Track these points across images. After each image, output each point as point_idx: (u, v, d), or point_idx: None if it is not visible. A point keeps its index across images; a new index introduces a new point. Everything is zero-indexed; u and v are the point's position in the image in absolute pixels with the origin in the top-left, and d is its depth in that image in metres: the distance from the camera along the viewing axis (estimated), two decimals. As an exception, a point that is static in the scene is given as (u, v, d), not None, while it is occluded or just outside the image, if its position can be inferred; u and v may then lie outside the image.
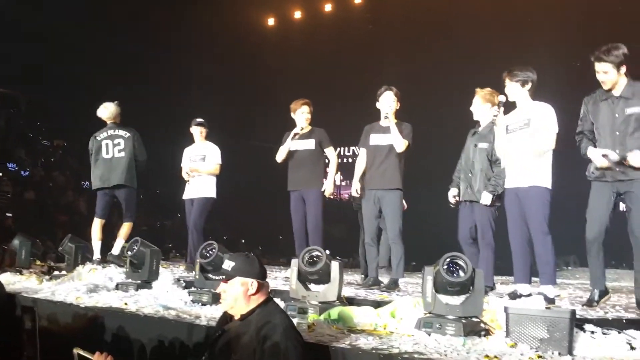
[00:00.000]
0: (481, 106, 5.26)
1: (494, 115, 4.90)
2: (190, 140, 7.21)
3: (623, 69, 4.29)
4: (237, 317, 2.99)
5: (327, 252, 4.34)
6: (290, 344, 2.78)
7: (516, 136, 4.73)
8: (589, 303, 4.35)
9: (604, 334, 3.36)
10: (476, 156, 5.21)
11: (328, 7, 12.53)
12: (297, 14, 12.83)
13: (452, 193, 5.41)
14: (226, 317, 3.12)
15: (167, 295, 4.82)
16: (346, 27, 12.19)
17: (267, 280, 3.09)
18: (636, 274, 4.28)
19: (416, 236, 7.69)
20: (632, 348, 3.23)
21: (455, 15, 11.03)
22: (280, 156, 6.13)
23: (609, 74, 4.30)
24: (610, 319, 3.74)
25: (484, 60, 10.61)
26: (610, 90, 4.37)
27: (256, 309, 2.94)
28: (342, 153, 16.08)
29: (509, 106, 4.86)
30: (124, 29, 11.47)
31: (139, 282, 5.15)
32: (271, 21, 13.15)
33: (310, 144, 6.04)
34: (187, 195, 7.04)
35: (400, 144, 5.41)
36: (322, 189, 5.99)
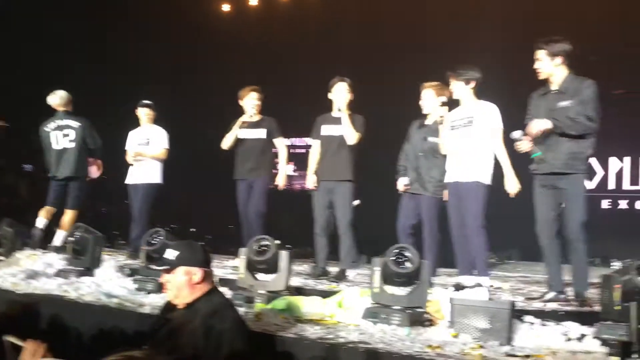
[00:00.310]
0: (435, 100, 5.28)
1: (441, 116, 5.02)
2: (137, 123, 7.00)
3: (558, 60, 4.34)
4: (181, 305, 2.93)
5: (277, 242, 4.32)
6: (236, 333, 2.75)
7: (459, 133, 4.89)
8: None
9: (542, 325, 3.47)
10: (425, 149, 5.27)
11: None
12: (253, 1, 12.65)
13: (404, 182, 5.35)
14: (169, 306, 3.05)
15: (110, 283, 4.69)
16: (303, 15, 12.11)
17: (213, 268, 3.03)
18: (573, 268, 4.44)
19: (367, 228, 7.75)
20: (569, 339, 3.35)
21: (413, 6, 11.12)
22: (226, 143, 6.04)
23: (542, 62, 4.39)
24: (548, 310, 3.87)
25: (438, 54, 10.77)
26: (550, 84, 4.47)
27: (201, 298, 2.88)
28: (295, 143, 16.07)
29: (453, 103, 4.99)
30: (76, 9, 11.05)
31: (80, 269, 4.97)
32: (226, 7, 12.93)
33: (260, 133, 5.96)
34: (130, 180, 6.79)
35: (352, 136, 5.41)
36: (269, 179, 5.94)
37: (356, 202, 5.46)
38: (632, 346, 2.80)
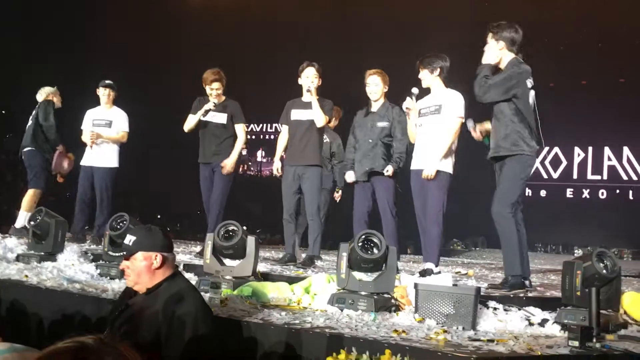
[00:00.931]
0: (382, 87, 5.37)
1: (407, 108, 5.06)
2: (94, 103, 6.82)
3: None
4: (142, 291, 2.87)
5: (244, 227, 4.28)
6: (199, 318, 2.71)
7: (427, 120, 4.98)
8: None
9: (505, 310, 3.53)
10: (374, 135, 5.33)
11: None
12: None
13: (350, 175, 5.46)
14: (130, 291, 2.98)
15: (72, 269, 4.59)
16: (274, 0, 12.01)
17: (175, 253, 2.98)
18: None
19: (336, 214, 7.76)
20: (531, 324, 3.42)
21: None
22: (187, 126, 5.92)
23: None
24: (512, 296, 3.93)
25: (403, 39, 10.81)
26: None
27: (163, 282, 2.82)
28: (265, 129, 15.97)
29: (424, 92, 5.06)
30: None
31: (42, 254, 4.86)
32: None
33: (222, 118, 5.84)
34: (86, 161, 6.60)
35: (321, 119, 5.39)
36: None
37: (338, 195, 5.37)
38: (592, 330, 2.86)
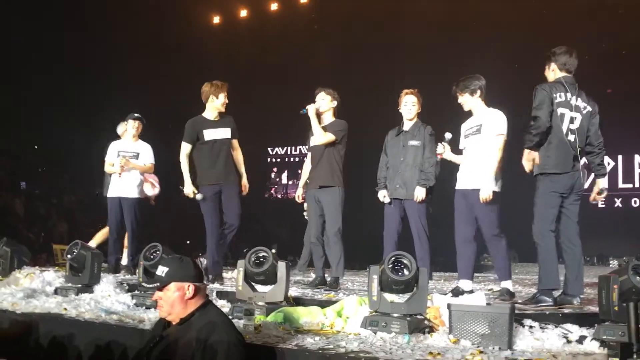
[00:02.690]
0: (417, 106, 5.46)
1: (438, 153, 5.16)
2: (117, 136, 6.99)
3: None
4: (175, 321, 2.92)
5: (273, 251, 4.32)
6: (233, 343, 2.75)
7: (469, 141, 5.02)
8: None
9: (541, 328, 3.49)
10: (407, 154, 5.40)
11: (274, 6, 12.48)
12: (243, 13, 12.72)
13: (383, 194, 5.53)
14: (163, 323, 3.04)
15: (109, 299, 4.68)
16: (292, 26, 12.17)
17: (205, 282, 3.04)
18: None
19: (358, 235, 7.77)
20: (569, 341, 3.37)
21: (398, 17, 11.19)
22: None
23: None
24: (547, 313, 3.88)
25: (425, 62, 10.83)
26: None
27: (195, 312, 2.88)
28: (289, 152, 16.07)
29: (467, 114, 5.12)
30: (61, 19, 11.05)
31: (79, 286, 4.97)
32: (217, 19, 12.98)
33: (227, 132, 5.83)
34: (113, 192, 6.73)
35: (320, 138, 5.45)
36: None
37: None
38: (632, 346, 2.80)
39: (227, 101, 5.82)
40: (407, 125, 5.50)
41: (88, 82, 10.95)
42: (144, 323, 3.84)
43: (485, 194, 4.73)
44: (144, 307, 4.45)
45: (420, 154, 5.38)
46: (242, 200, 5.81)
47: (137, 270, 4.86)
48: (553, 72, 4.58)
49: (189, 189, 5.71)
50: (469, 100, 4.99)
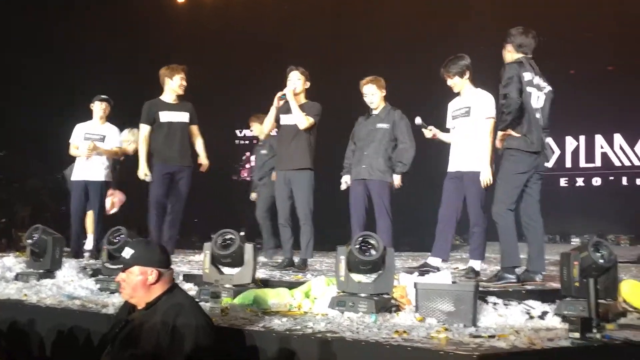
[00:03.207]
0: (379, 94, 5.45)
1: (433, 135, 5.18)
2: (83, 117, 6.81)
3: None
4: (140, 306, 2.87)
5: (242, 234, 4.30)
6: (201, 326, 2.72)
7: (458, 123, 5.02)
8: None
9: (505, 304, 3.55)
10: (375, 136, 5.41)
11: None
12: (209, -9, 12.46)
13: (345, 179, 5.59)
14: (128, 307, 2.99)
15: (71, 285, 4.59)
16: (260, 5, 11.97)
17: (172, 267, 2.99)
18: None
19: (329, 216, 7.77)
20: (531, 317, 3.43)
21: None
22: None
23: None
24: (511, 290, 3.95)
25: (397, 46, 10.80)
26: None
27: (162, 296, 2.84)
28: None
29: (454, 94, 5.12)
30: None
31: (40, 271, 4.86)
32: (181, -2, 12.70)
33: (184, 116, 5.82)
34: (78, 176, 6.59)
35: (302, 121, 5.39)
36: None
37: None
38: (591, 321, 2.87)
39: (184, 84, 5.78)
40: (376, 111, 5.50)
41: (50, 61, 10.60)
42: (107, 308, 3.78)
43: (486, 178, 4.74)
44: (108, 292, 4.37)
45: (387, 137, 5.39)
46: (192, 188, 5.83)
47: (101, 255, 4.77)
48: (510, 54, 4.55)
49: (141, 172, 5.71)
50: (460, 82, 4.95)
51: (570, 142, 12.85)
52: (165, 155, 5.71)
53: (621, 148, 12.42)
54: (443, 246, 5.02)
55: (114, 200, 7.18)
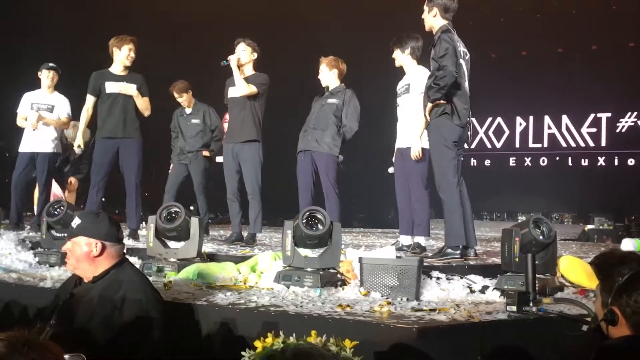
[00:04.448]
0: (328, 73, 5.45)
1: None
2: (30, 86, 6.53)
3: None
4: (87, 279, 2.79)
5: (192, 208, 4.23)
6: (150, 300, 2.67)
7: (401, 100, 5.07)
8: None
9: (447, 279, 3.61)
10: (324, 110, 5.41)
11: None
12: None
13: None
14: (75, 280, 2.91)
15: (9, 258, 4.42)
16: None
17: (122, 243, 2.90)
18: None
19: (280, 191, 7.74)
20: (472, 291, 3.51)
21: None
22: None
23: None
24: (454, 265, 4.02)
25: (360, 20, 10.74)
26: None
27: (110, 270, 2.76)
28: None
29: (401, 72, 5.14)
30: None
31: (-24, 244, 4.67)
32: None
33: (132, 89, 5.61)
34: (26, 147, 6.36)
35: (242, 89, 5.34)
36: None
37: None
38: (528, 295, 2.95)
39: (132, 55, 5.57)
40: (330, 88, 5.49)
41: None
42: (45, 281, 3.66)
43: (414, 152, 4.79)
44: (47, 265, 4.24)
45: (335, 111, 5.37)
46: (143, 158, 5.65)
47: (41, 227, 4.61)
48: (435, 19, 4.41)
49: (76, 143, 5.61)
50: (399, 57, 5.04)
51: (519, 123, 13.15)
52: (108, 127, 5.52)
53: (568, 129, 12.79)
54: (407, 223, 5.04)
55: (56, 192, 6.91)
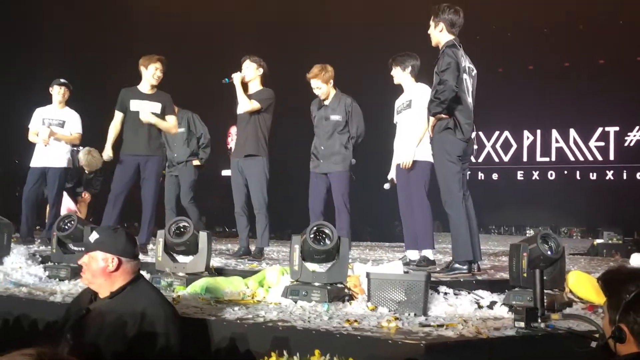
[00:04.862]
0: (326, 86, 5.44)
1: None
2: (40, 102, 6.62)
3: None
4: (103, 294, 2.80)
5: (203, 219, 4.26)
6: (169, 317, 2.69)
7: (402, 116, 5.12)
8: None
9: (455, 294, 3.61)
10: (329, 128, 5.44)
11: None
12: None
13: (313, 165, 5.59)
14: (90, 295, 2.90)
15: (19, 272, 4.46)
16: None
17: (139, 259, 2.91)
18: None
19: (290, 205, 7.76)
20: (480, 307, 3.50)
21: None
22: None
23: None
24: (462, 280, 4.01)
25: (360, 35, 10.81)
26: None
27: (127, 286, 2.76)
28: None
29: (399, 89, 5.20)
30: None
31: (-13, 258, 4.71)
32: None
33: (156, 107, 5.68)
34: (37, 162, 6.44)
35: (243, 105, 5.40)
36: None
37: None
38: (537, 311, 2.94)
39: (159, 74, 5.60)
40: (327, 100, 5.50)
41: (6, 41, 10.26)
42: (55, 295, 3.68)
43: (406, 160, 4.85)
44: (57, 279, 4.28)
45: (341, 127, 5.42)
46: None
47: (51, 241, 4.65)
48: (442, 34, 4.41)
49: (105, 153, 5.60)
50: (399, 74, 5.11)
51: (527, 137, 13.15)
52: (132, 144, 5.58)
53: (575, 143, 12.77)
54: (409, 238, 5.06)
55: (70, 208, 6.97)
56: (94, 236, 2.80)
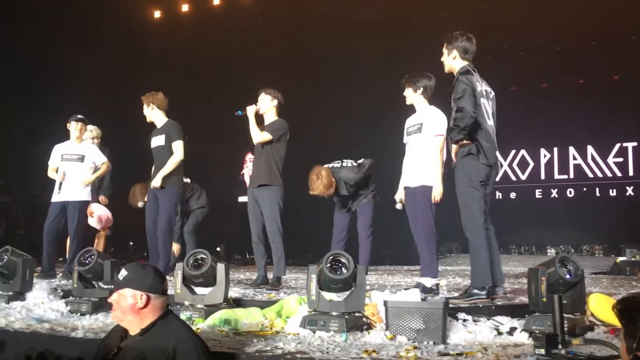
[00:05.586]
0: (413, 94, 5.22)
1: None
2: (59, 137, 6.78)
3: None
4: (134, 331, 2.82)
5: (218, 249, 4.30)
6: (201, 352, 2.70)
7: (411, 139, 5.09)
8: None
9: (474, 321, 3.58)
10: (352, 178, 5.94)
11: (216, 1, 12.32)
12: (185, 7, 12.49)
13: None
14: (120, 333, 2.91)
15: (42, 307, 4.52)
16: (235, 21, 12.03)
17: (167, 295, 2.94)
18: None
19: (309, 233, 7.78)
20: (499, 333, 3.47)
21: (344, 15, 11.22)
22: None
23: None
24: (480, 306, 3.98)
25: (370, 62, 10.90)
26: None
27: (157, 322, 2.78)
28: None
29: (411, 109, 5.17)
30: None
31: (10, 294, 4.77)
32: (157, 14, 12.70)
33: (160, 140, 5.94)
34: (58, 197, 6.52)
35: (255, 137, 5.49)
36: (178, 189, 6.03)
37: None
38: (557, 337, 2.90)
39: (144, 112, 6.03)
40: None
41: (18, 77, 10.52)
42: (76, 331, 3.72)
43: (437, 193, 4.81)
44: (78, 314, 4.32)
45: (356, 173, 5.98)
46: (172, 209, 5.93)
47: (72, 276, 4.72)
48: (455, 61, 4.45)
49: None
50: (411, 95, 5.07)
51: (544, 155, 13.05)
52: (151, 181, 5.93)
53: (593, 159, 12.64)
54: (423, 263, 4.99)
55: (100, 215, 7.01)
56: (122, 273, 2.84)
